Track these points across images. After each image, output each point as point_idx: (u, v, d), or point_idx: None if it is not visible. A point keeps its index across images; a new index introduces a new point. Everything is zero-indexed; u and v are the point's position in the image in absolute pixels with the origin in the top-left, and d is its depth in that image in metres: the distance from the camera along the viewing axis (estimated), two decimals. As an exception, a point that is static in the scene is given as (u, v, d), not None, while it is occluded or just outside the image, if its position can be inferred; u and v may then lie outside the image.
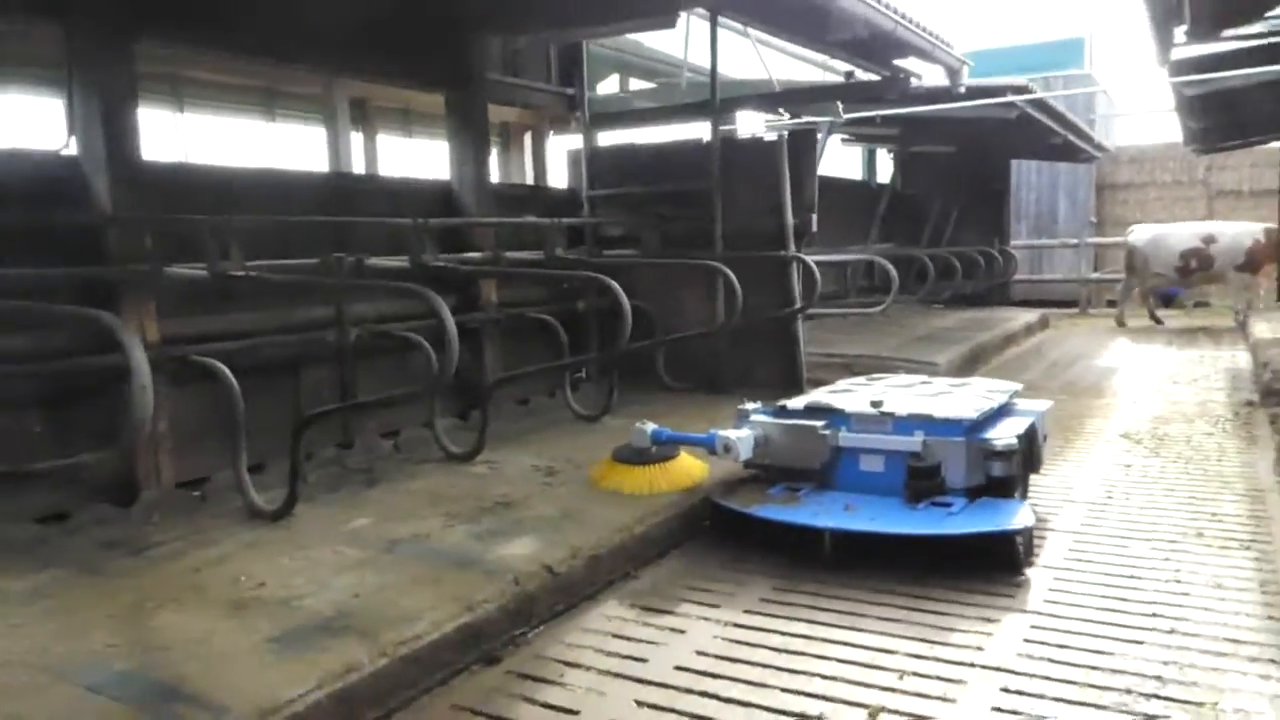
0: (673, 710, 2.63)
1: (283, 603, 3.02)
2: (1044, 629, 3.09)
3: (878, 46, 6.19)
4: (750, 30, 7.25)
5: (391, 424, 5.31)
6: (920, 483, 3.89)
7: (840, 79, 8.01)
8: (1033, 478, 4.59)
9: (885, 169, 14.96)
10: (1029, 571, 3.59)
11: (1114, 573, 3.58)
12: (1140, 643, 2.96)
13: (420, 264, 4.91)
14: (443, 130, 6.21)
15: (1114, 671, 2.77)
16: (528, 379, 6.09)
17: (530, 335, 6.19)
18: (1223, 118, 9.43)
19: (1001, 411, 4.34)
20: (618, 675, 2.84)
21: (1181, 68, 6.44)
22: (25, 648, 2.71)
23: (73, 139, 3.95)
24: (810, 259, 6.33)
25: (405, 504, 4.17)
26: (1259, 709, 2.52)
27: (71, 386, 3.97)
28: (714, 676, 2.82)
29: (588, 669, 2.89)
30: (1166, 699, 2.60)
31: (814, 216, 6.53)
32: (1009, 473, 3.91)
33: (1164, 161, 17.35)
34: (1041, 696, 2.65)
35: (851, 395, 4.47)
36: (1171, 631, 3.04)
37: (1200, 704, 2.56)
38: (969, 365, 9.08)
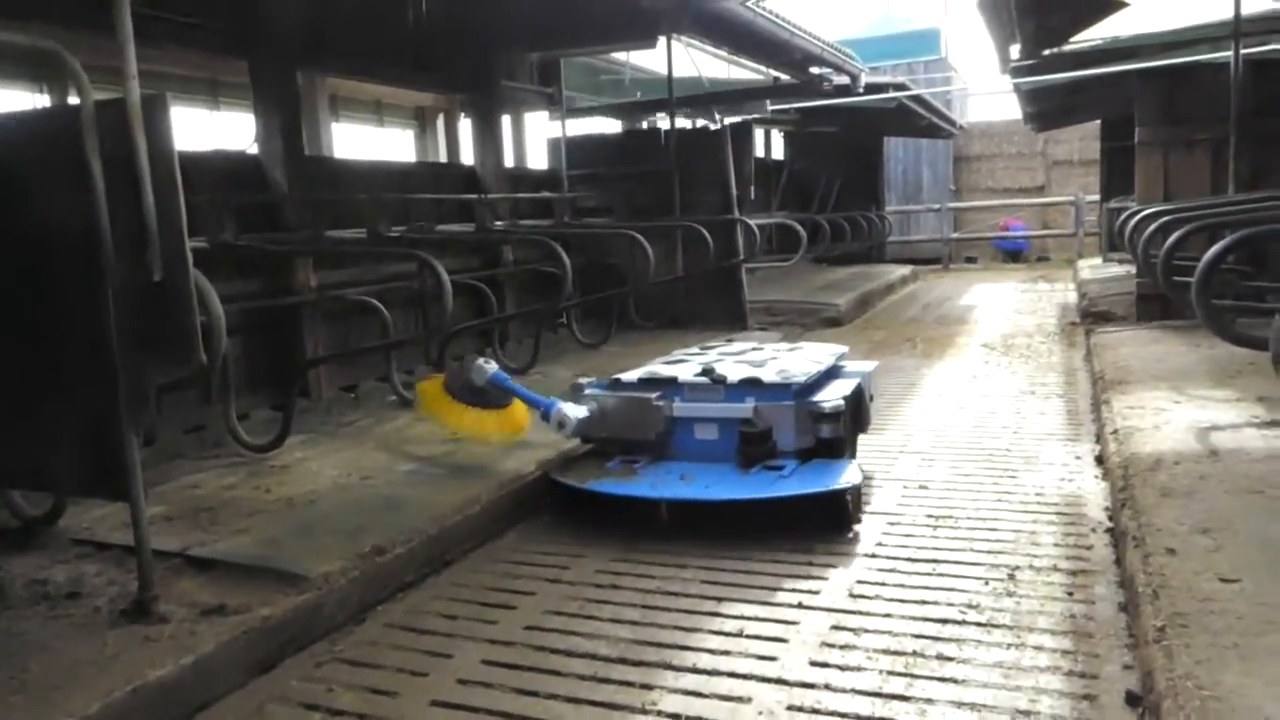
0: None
1: (441, 455, 4.55)
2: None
3: (802, 61, 8.11)
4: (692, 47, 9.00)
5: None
6: (751, 448, 3.91)
7: (756, 75, 9.93)
8: (941, 362, 6.47)
9: (777, 148, 17.07)
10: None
11: (980, 411, 5.63)
12: (997, 437, 4.99)
13: (485, 227, 6.53)
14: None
15: (981, 449, 4.77)
16: (534, 318, 7.72)
17: (539, 285, 7.84)
18: (1051, 104, 11.83)
19: (829, 374, 4.38)
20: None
21: (1018, 72, 8.58)
22: (345, 460, 4.30)
23: (255, 142, 5.42)
24: (750, 221, 8.22)
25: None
26: (1061, 459, 4.56)
27: (257, 322, 5.44)
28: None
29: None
30: (1010, 456, 4.61)
31: (751, 188, 8.41)
32: (837, 434, 3.94)
33: (1009, 136, 20.17)
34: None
35: (685, 365, 4.43)
36: (1015, 431, 5.09)
37: (1031, 457, 4.58)
38: (861, 307, 11.23)
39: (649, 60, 8.39)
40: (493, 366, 4.30)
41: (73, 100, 2.76)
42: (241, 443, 4.52)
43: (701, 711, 2.42)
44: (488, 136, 7.55)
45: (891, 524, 3.76)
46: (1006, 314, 10.59)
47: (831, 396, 4.02)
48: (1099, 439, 4.73)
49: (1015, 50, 7.57)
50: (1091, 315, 9.11)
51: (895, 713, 2.38)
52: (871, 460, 4.63)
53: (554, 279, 7.80)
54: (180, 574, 3.16)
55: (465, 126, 10.53)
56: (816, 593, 3.13)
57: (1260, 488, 3.30)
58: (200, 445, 4.73)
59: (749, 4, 6.92)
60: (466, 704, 2.53)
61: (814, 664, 2.65)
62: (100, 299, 2.71)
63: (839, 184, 15.97)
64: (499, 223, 7.39)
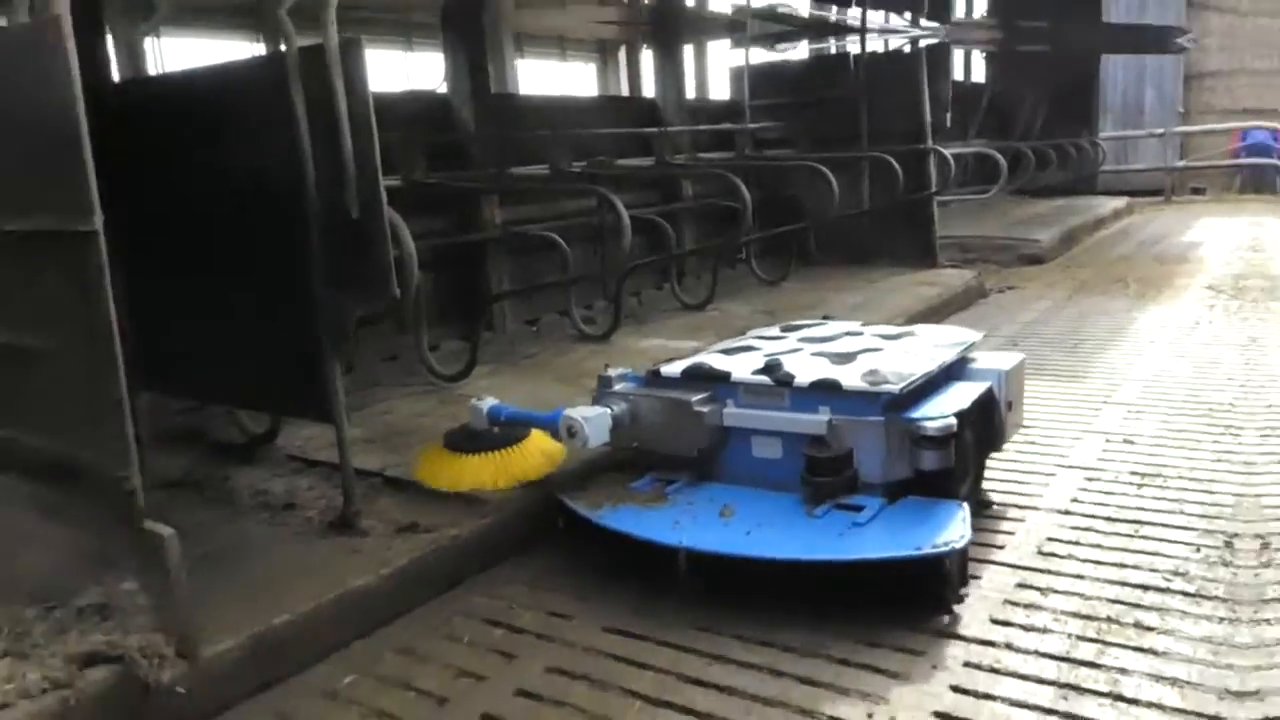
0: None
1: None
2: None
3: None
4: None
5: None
6: (821, 479, 2.86)
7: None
8: (1157, 305, 5.75)
9: (977, 70, 15.92)
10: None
11: (1200, 360, 5.11)
12: (1221, 389, 4.51)
13: (664, 161, 6.51)
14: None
15: (1200, 403, 4.33)
16: (712, 254, 7.63)
17: (718, 220, 7.74)
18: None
19: (947, 374, 3.19)
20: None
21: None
22: (528, 391, 4.48)
23: (444, 81, 5.60)
24: (945, 150, 7.75)
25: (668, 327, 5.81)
26: (1295, 414, 4.07)
27: (446, 257, 5.67)
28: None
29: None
30: (1234, 411, 4.16)
31: (948, 114, 7.90)
32: (945, 464, 2.82)
33: (1259, 47, 17.72)
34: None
35: (748, 355, 3.38)
36: (1242, 385, 4.59)
37: (1257, 414, 4.11)
38: (1065, 244, 10.41)
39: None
40: (487, 402, 3.36)
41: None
42: (433, 372, 4.78)
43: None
44: (669, 68, 7.46)
45: (1090, 479, 3.50)
46: (1239, 252, 9.50)
47: (942, 410, 2.86)
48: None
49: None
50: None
51: (1083, 680, 2.23)
52: (1070, 412, 4.31)
53: (733, 213, 7.69)
54: (379, 492, 3.40)
55: (647, 58, 10.47)
56: (1003, 546, 2.96)
57: None
58: (395, 373, 5.04)
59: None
60: (631, 630, 2.60)
61: (995, 621, 2.52)
62: (304, 236, 2.90)
63: (1045, 108, 14.73)
64: (679, 156, 7.32)
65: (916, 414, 2.84)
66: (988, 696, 2.20)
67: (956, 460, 2.85)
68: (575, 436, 3.13)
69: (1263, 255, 9.06)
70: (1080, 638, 2.41)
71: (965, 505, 2.78)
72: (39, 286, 2.33)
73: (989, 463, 3.34)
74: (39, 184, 2.25)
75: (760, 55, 9.43)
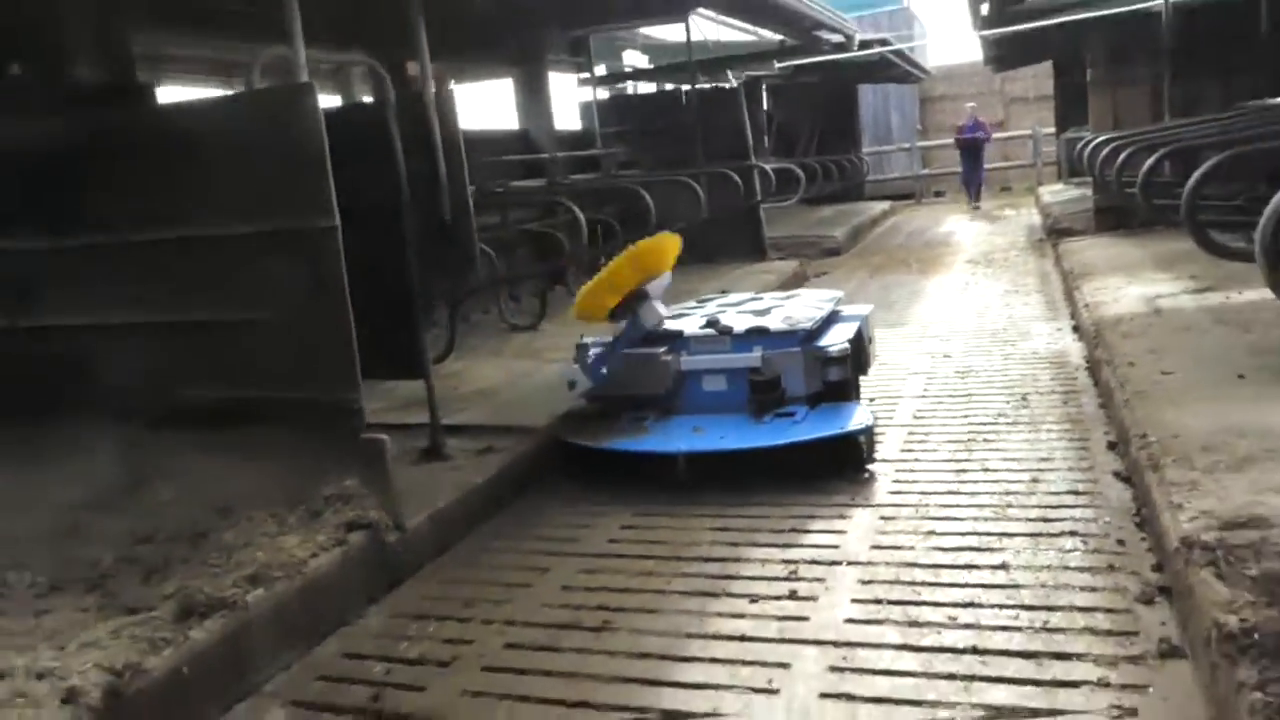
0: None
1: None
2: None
3: (810, 26, 9.35)
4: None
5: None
6: (763, 396, 3.97)
7: (753, 37, 11.14)
8: (937, 275, 7.82)
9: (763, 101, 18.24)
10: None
11: (977, 306, 7.03)
12: (995, 322, 6.37)
13: (554, 183, 7.75)
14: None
15: (985, 331, 6.15)
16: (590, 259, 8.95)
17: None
18: (1010, 49, 13.14)
19: (830, 319, 4.37)
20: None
21: (986, 25, 9.87)
22: (497, 366, 5.57)
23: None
24: (765, 165, 9.50)
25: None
26: (1046, 332, 5.95)
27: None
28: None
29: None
30: (1008, 332, 6.00)
31: (765, 137, 9.65)
32: (845, 376, 4.00)
33: (970, 78, 21.45)
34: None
35: (688, 319, 4.43)
36: (1009, 318, 6.50)
37: (1024, 333, 5.97)
38: (853, 239, 12.58)
39: (660, 29, 9.56)
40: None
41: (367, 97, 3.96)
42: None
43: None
44: (535, 103, 8.72)
45: (930, 379, 5.13)
46: (983, 236, 12.02)
47: (837, 340, 4.06)
48: (1073, 314, 6.14)
49: (984, 8, 8.85)
50: (1057, 231, 10.53)
51: (964, 465, 3.75)
52: (902, 343, 6.00)
53: (607, 226, 9.04)
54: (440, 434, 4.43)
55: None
56: (891, 417, 4.49)
57: (1189, 326, 4.71)
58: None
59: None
60: (651, 512, 3.70)
61: (903, 449, 4.02)
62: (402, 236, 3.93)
63: (819, 131, 17.23)
64: (555, 179, 8.59)
65: (822, 343, 4.07)
66: (910, 487, 3.63)
67: (852, 373, 4.11)
68: (576, 386, 4.19)
69: (1001, 239, 11.56)
70: (954, 449, 3.94)
71: (865, 401, 4.17)
72: (281, 274, 3.29)
73: (862, 381, 4.88)
74: (287, 195, 3.22)
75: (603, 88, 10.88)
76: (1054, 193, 14.35)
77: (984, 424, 4.25)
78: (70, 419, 3.73)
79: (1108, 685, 2.18)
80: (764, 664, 2.45)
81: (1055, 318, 6.41)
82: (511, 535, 3.59)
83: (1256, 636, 1.80)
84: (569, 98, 10.34)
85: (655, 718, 2.29)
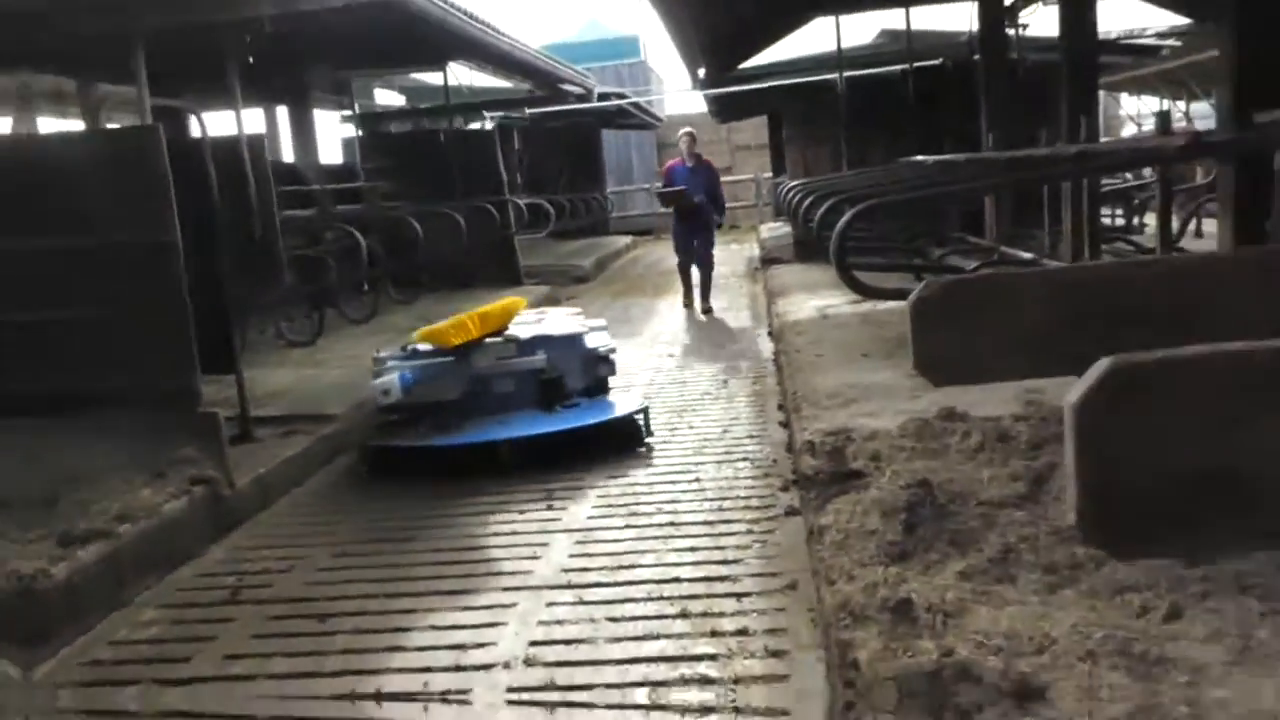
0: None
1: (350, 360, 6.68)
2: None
3: (552, 80, 10.60)
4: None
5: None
6: (551, 391, 4.72)
7: (507, 84, 12.30)
8: (669, 297, 9.25)
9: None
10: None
11: (700, 319, 8.50)
12: (714, 329, 7.83)
13: (326, 212, 8.39)
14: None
15: (705, 338, 7.57)
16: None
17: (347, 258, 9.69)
18: (729, 105, 15.22)
19: (588, 330, 5.12)
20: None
21: (703, 85, 11.63)
22: (289, 372, 6.21)
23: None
24: (519, 200, 10.60)
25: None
26: (751, 335, 7.47)
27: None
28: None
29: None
30: (722, 336, 7.46)
31: (518, 175, 10.76)
32: (611, 372, 4.96)
33: (700, 126, 23.82)
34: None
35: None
36: (724, 326, 7.99)
37: (734, 335, 7.46)
38: (599, 268, 13.98)
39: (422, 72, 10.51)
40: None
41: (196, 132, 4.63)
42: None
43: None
44: (303, 138, 9.32)
45: (658, 369, 6.42)
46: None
47: (602, 343, 4.94)
48: (769, 322, 7.73)
49: (701, 72, 10.54)
50: (768, 260, 12.44)
51: (679, 424, 5.00)
52: (641, 347, 7.29)
53: (371, 255, 9.73)
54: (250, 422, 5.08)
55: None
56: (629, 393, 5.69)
57: (843, 325, 6.33)
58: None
59: (508, 40, 9.28)
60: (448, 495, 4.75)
61: (635, 412, 5.21)
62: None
63: (567, 171, 18.66)
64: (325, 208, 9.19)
65: (591, 346, 4.93)
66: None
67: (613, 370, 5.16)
68: (389, 394, 4.51)
69: (725, 268, 13.37)
70: (669, 416, 5.19)
71: (638, 389, 5.47)
72: (125, 278, 3.92)
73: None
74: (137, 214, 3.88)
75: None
76: (770, 229, 16.62)
77: (694, 399, 5.56)
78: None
79: (753, 533, 3.42)
80: (529, 545, 3.50)
81: (758, 326, 7.99)
82: (322, 493, 4.40)
83: (819, 476, 3.08)
84: (332, 134, 10.96)
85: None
